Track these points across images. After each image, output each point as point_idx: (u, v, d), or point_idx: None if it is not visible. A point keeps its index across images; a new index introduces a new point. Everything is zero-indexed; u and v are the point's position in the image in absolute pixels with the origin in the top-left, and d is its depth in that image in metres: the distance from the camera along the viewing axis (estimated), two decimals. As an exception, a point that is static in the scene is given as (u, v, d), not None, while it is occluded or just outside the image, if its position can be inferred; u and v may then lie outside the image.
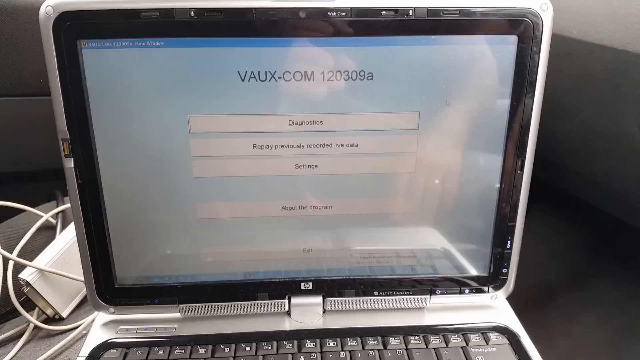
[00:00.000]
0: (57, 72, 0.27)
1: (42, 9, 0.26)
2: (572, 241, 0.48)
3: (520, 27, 0.28)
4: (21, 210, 0.45)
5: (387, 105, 0.29)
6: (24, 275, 0.37)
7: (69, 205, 0.46)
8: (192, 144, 0.29)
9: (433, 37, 0.27)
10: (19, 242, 0.41)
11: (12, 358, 0.36)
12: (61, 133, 0.28)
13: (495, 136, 0.30)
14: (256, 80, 0.28)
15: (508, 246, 0.32)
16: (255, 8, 0.26)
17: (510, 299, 0.34)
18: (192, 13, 0.26)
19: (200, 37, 0.27)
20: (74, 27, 0.26)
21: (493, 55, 0.28)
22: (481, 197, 0.31)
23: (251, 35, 0.27)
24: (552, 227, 0.49)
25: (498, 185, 0.31)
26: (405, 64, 0.28)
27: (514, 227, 0.31)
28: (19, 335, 0.38)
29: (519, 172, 0.30)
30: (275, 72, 0.28)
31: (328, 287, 0.33)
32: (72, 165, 0.29)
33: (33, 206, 0.45)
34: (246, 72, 0.28)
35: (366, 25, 0.27)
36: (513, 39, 0.28)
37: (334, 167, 0.30)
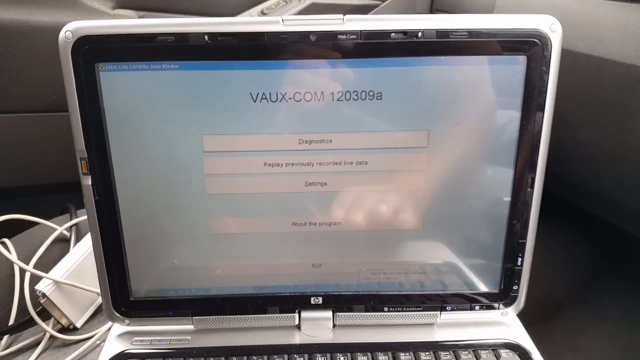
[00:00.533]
0: (76, 93, 0.28)
1: (62, 34, 0.27)
2: (581, 255, 0.48)
3: (529, 47, 0.28)
4: (35, 223, 0.46)
5: (397, 124, 0.29)
6: (40, 286, 0.38)
7: (82, 218, 0.47)
8: (206, 163, 0.30)
9: (442, 57, 0.28)
10: (35, 254, 0.42)
11: (29, 367, 0.37)
12: (79, 152, 0.29)
13: (505, 154, 0.30)
14: (267, 101, 0.29)
15: (519, 263, 0.32)
16: (267, 32, 0.27)
17: (518, 313, 0.34)
18: (206, 37, 0.27)
19: (213, 60, 0.28)
20: (91, 50, 0.27)
21: (502, 75, 0.28)
22: (491, 214, 0.31)
23: (263, 58, 0.28)
24: (561, 241, 0.49)
25: (508, 202, 0.31)
26: (414, 84, 0.28)
27: (524, 244, 0.31)
28: (36, 344, 0.39)
29: (529, 189, 0.30)
30: (285, 93, 0.28)
31: (337, 302, 0.33)
32: (90, 183, 0.30)
33: (46, 219, 0.46)
34: (258, 93, 0.28)
35: (375, 47, 0.27)
36: (522, 59, 0.28)
37: (343, 184, 0.31)
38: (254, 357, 0.31)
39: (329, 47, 0.27)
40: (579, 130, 0.38)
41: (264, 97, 0.28)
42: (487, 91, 0.29)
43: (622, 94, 0.34)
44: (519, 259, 0.32)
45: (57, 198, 0.49)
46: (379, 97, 0.28)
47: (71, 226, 0.46)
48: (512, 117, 0.29)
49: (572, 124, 0.38)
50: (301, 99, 0.28)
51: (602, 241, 0.46)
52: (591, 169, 0.39)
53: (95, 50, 0.27)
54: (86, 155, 0.29)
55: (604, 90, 0.35)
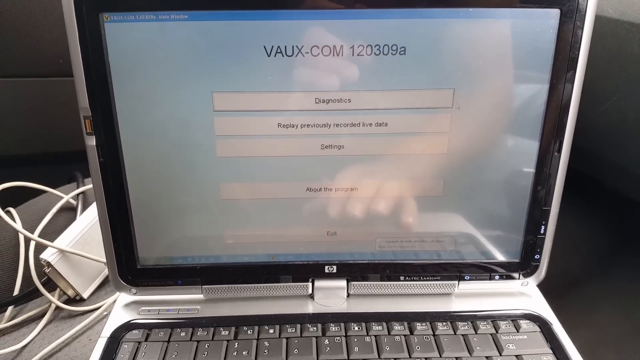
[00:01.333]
0: (79, 47, 0.26)
1: (64, -19, 0.25)
2: (597, 230, 0.47)
3: (563, 0, 0.26)
4: (42, 191, 0.45)
5: (420, 81, 0.28)
6: (45, 255, 0.37)
7: (89, 186, 0.46)
8: (216, 123, 0.28)
9: (470, 9, 0.26)
10: (40, 222, 0.41)
11: (34, 337, 0.36)
12: (83, 110, 0.28)
13: (533, 116, 0.28)
14: (282, 56, 0.27)
15: (542, 231, 0.31)
16: (284, -22, 0.25)
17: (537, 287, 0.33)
18: (218, -16, 0.25)
19: (225, 9, 0.26)
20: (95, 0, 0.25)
21: (533, 30, 0.26)
22: (515, 180, 0.30)
23: (278, 8, 0.26)
24: (577, 215, 0.48)
25: (534, 167, 0.29)
26: (440, 38, 0.26)
27: (548, 211, 0.30)
28: (41, 315, 0.38)
29: (556, 153, 0.29)
30: (302, 46, 0.27)
31: (352, 271, 0.32)
32: (94, 143, 0.28)
33: (53, 188, 0.45)
34: (272, 46, 0.27)
35: (400, -4, 0.26)
36: (555, 13, 0.26)
37: (361, 147, 0.29)
38: (266, 327, 0.30)
39: (350, -5, 0.25)
40: (602, 101, 0.37)
41: (278, 50, 0.27)
42: (516, 47, 0.27)
43: (651, 60, 0.32)
44: (542, 227, 0.31)
45: (65, 168, 0.48)
46: (402, 52, 0.27)
47: (78, 194, 0.45)
48: (542, 77, 0.27)
49: (595, 93, 0.36)
50: (319, 54, 0.27)
51: (620, 215, 0.45)
52: (613, 141, 0.37)
53: (99, -1, 0.25)
54: (90, 114, 0.28)
55: (632, 57, 0.33)
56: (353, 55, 0.27)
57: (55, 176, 0.47)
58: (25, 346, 0.35)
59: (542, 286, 0.33)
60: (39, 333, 0.36)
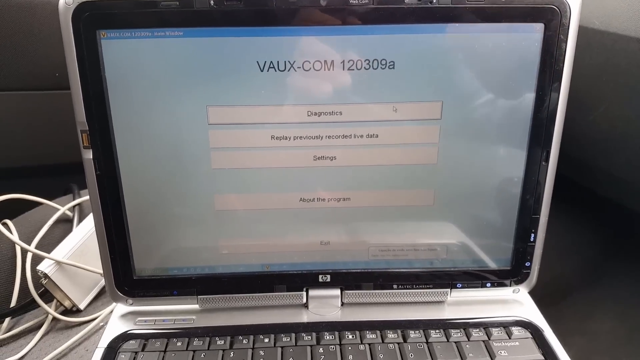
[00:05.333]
0: (76, 62, 0.27)
1: (62, 0, 0.26)
2: (590, 237, 0.47)
3: (547, 14, 0.27)
4: (38, 203, 0.45)
5: (409, 94, 0.28)
6: (42, 267, 0.37)
7: (85, 198, 0.46)
8: (211, 135, 0.29)
9: (457, 25, 0.27)
10: (37, 234, 0.41)
11: (31, 349, 0.36)
12: (80, 124, 0.28)
13: (520, 126, 0.29)
14: (275, 70, 0.28)
15: (532, 239, 0.31)
16: (275, -4, 0.26)
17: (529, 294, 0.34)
18: (211, 2, 0.26)
19: (219, 26, 0.27)
20: (93, 17, 0.26)
21: (519, 43, 0.27)
22: (505, 188, 0.30)
23: (271, 25, 0.27)
24: (569, 223, 0.48)
25: (522, 176, 0.30)
26: (428, 52, 0.27)
27: (538, 219, 0.31)
28: (38, 326, 0.38)
29: (543, 163, 0.30)
30: (294, 61, 0.27)
31: (346, 280, 0.33)
32: (91, 157, 0.29)
33: (50, 199, 0.46)
34: (265, 61, 0.27)
35: (389, 13, 0.26)
36: (539, 27, 0.27)
37: (353, 158, 0.30)
38: (261, 337, 0.31)
39: (340, 12, 0.26)
40: (591, 110, 0.37)
41: (271, 66, 0.27)
42: (502, 60, 0.28)
43: (636, 70, 0.33)
44: (532, 235, 0.31)
45: (61, 179, 0.49)
46: (391, 67, 0.28)
47: (74, 206, 0.45)
48: (528, 89, 0.28)
49: (584, 103, 0.37)
50: (310, 68, 0.28)
51: (611, 223, 0.46)
52: (603, 149, 0.38)
53: (96, 17, 0.26)
54: (87, 128, 0.28)
55: (619, 67, 0.34)
56: (344, 69, 0.28)
57: (52, 188, 0.47)
58: (22, 357, 0.35)
59: (536, 294, 0.34)
60: (36, 344, 0.37)
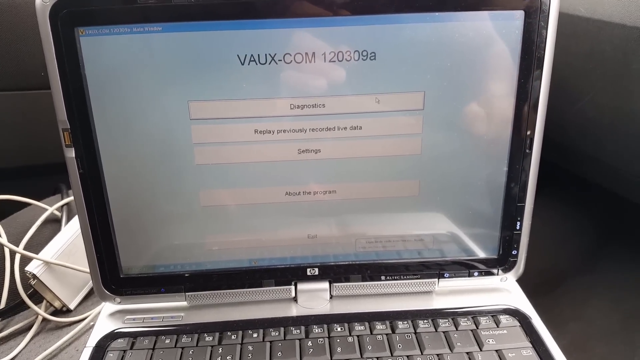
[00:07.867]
0: (55, 61, 0.27)
1: (38, -3, 0.26)
2: (582, 224, 0.47)
3: (527, 1, 0.27)
4: (26, 204, 0.45)
5: (391, 85, 0.28)
6: (30, 268, 0.37)
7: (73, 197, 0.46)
8: (194, 131, 0.29)
9: (437, 14, 0.27)
10: (25, 235, 0.41)
11: (21, 350, 0.36)
12: (61, 123, 0.28)
13: (503, 115, 0.29)
14: (256, 64, 0.27)
15: (517, 227, 0.31)
16: (254, -12, 0.26)
17: (521, 283, 0.34)
18: (189, -5, 0.26)
19: (198, 20, 0.26)
20: (70, 14, 0.26)
21: (499, 31, 0.27)
22: (489, 177, 0.30)
23: (250, 17, 0.26)
24: (562, 210, 0.48)
25: (506, 165, 0.30)
26: (409, 42, 0.27)
27: (523, 207, 0.31)
28: (28, 327, 0.38)
29: (527, 150, 0.30)
30: (275, 54, 0.27)
31: (334, 273, 0.33)
32: (74, 155, 0.28)
33: (38, 200, 0.45)
34: (246, 55, 0.27)
35: (369, 3, 0.26)
36: (519, 14, 0.27)
37: (337, 151, 0.30)
38: (250, 332, 0.31)
39: (320, 4, 0.26)
40: (578, 97, 0.37)
41: (252, 59, 0.27)
42: (483, 48, 0.28)
43: (622, 57, 0.33)
44: (518, 223, 0.31)
45: (49, 179, 0.48)
46: (372, 58, 0.27)
47: (62, 206, 0.45)
48: (509, 76, 0.28)
49: (571, 90, 0.37)
50: (291, 61, 0.27)
51: (602, 209, 0.46)
52: (591, 136, 0.38)
53: (74, 14, 0.26)
54: (68, 126, 0.28)
55: (604, 54, 0.34)
56: (325, 61, 0.27)
57: (40, 188, 0.47)
58: (12, 359, 0.35)
59: (529, 282, 0.34)
60: (26, 345, 0.36)
